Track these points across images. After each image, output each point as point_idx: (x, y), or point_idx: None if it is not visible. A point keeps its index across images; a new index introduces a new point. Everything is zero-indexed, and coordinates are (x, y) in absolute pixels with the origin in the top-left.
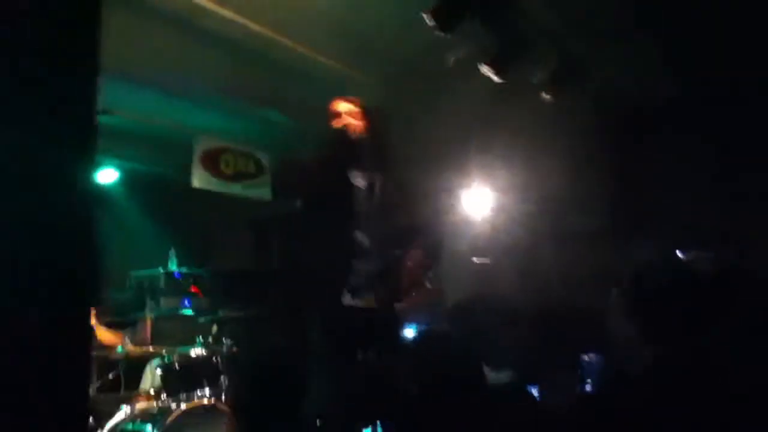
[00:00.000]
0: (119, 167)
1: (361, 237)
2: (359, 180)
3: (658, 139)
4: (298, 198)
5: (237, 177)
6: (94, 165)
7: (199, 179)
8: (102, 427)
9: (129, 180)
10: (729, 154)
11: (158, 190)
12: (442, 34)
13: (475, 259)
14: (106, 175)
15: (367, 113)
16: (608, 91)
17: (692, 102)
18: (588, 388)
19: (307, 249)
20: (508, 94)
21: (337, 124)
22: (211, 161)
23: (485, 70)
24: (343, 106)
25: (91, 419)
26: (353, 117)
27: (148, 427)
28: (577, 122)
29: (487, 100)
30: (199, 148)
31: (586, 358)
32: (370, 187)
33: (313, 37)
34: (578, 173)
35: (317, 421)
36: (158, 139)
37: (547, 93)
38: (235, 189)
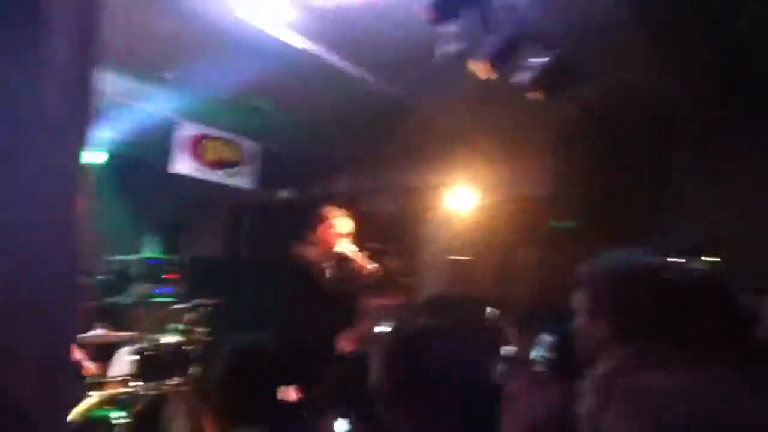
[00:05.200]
0: (106, 151)
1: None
2: None
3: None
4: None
5: (219, 164)
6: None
7: (181, 164)
8: (68, 413)
9: (109, 164)
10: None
11: (136, 175)
12: (437, 28)
13: (451, 257)
14: (96, 157)
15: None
16: (598, 92)
17: (687, 105)
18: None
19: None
20: (494, 92)
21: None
22: (194, 147)
23: (474, 66)
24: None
25: None
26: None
27: (117, 413)
28: (562, 123)
29: (473, 98)
30: (182, 133)
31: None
32: None
33: (304, 27)
34: (561, 174)
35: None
36: (139, 123)
37: (533, 92)
38: (217, 176)
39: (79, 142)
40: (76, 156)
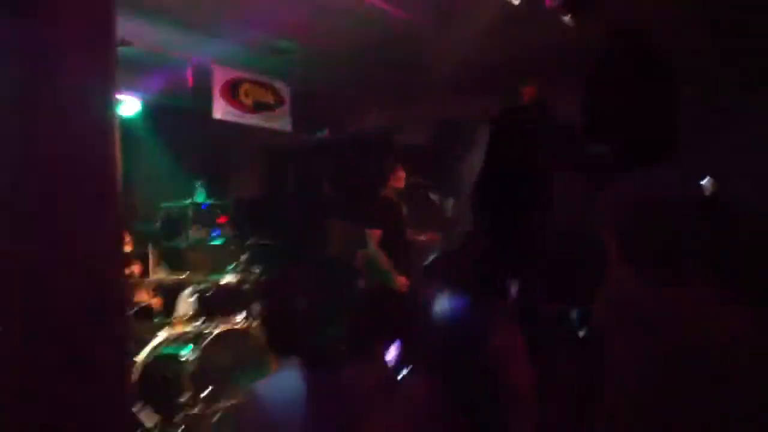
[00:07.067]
0: (140, 100)
1: None
2: None
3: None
4: None
5: (256, 107)
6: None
7: (219, 110)
8: (138, 352)
9: (151, 113)
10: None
11: (179, 122)
12: None
13: None
14: (128, 107)
15: None
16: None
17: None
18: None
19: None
20: (528, 16)
21: None
22: (231, 92)
23: None
24: None
25: None
26: None
27: (185, 350)
28: (595, 47)
29: (505, 24)
30: (218, 78)
31: None
32: None
33: None
34: (596, 99)
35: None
36: (177, 71)
37: (564, 14)
38: (255, 120)
39: (106, 94)
40: (107, 108)
